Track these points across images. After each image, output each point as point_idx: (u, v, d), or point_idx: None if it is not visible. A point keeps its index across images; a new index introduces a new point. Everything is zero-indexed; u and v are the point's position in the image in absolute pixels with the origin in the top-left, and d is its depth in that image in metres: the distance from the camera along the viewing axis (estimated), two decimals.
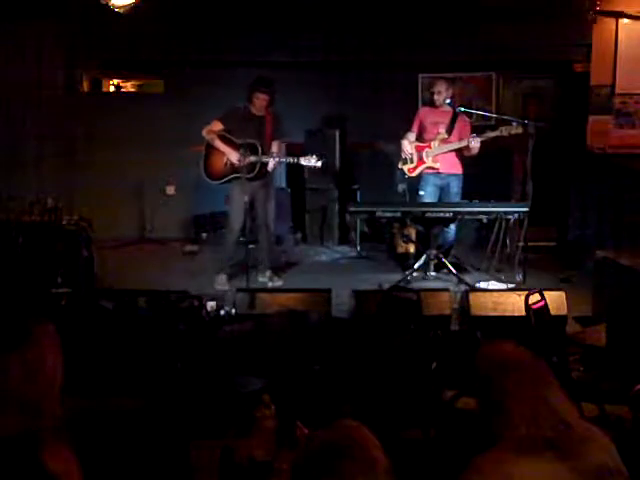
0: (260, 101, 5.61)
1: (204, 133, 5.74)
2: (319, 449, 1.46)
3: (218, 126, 5.73)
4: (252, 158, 5.60)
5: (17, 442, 1.62)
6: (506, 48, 7.56)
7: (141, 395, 3.22)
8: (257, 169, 5.62)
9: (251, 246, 5.84)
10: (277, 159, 5.67)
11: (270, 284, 5.77)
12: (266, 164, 5.63)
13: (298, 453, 1.49)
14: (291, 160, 5.81)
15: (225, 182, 5.74)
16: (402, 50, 7.72)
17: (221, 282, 5.71)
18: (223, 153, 5.70)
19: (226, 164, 5.70)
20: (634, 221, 6.12)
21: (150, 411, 2.98)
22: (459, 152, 6.04)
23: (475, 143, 5.84)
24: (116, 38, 7.67)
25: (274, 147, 5.72)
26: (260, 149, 5.61)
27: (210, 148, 5.78)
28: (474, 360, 1.90)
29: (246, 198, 5.64)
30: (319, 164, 5.74)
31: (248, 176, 5.60)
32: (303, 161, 5.70)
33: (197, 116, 6.90)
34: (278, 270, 6.12)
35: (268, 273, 5.86)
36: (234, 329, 4.23)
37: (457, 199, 6.11)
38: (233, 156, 5.60)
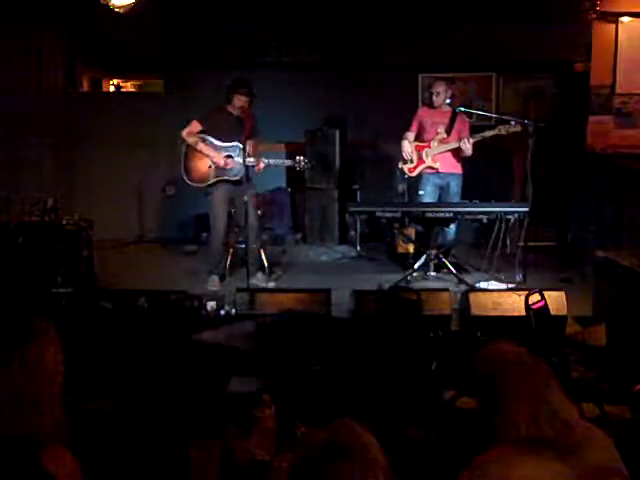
0: (241, 102, 5.60)
1: (184, 135, 5.65)
2: (318, 449, 1.46)
3: (197, 127, 5.68)
4: (238, 160, 5.60)
5: (16, 442, 1.62)
6: (506, 48, 7.56)
7: (141, 395, 3.22)
8: (244, 171, 5.62)
9: (242, 246, 5.86)
10: (266, 162, 5.68)
11: (267, 285, 5.76)
12: (253, 166, 5.65)
13: (297, 453, 1.49)
14: (280, 163, 5.95)
15: (209, 185, 5.70)
16: (402, 50, 7.73)
17: (213, 283, 5.70)
18: (206, 156, 5.67)
19: (210, 167, 5.67)
20: (634, 221, 6.12)
21: (150, 411, 2.98)
22: (458, 152, 6.04)
23: (467, 145, 5.85)
24: (116, 38, 7.67)
25: (249, 147, 5.69)
26: (245, 151, 5.62)
27: (190, 151, 5.70)
28: (474, 360, 1.90)
29: (227, 201, 5.69)
30: (309, 166, 5.88)
31: (234, 179, 5.62)
32: (289, 163, 5.80)
33: (197, 116, 6.89)
34: (271, 270, 6.11)
35: (259, 275, 5.83)
36: (211, 335, 4.22)
37: (457, 199, 6.11)
38: (218, 159, 5.61)
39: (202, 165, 5.71)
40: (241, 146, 5.59)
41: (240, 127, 5.60)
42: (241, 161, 5.59)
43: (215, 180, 5.66)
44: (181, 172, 5.75)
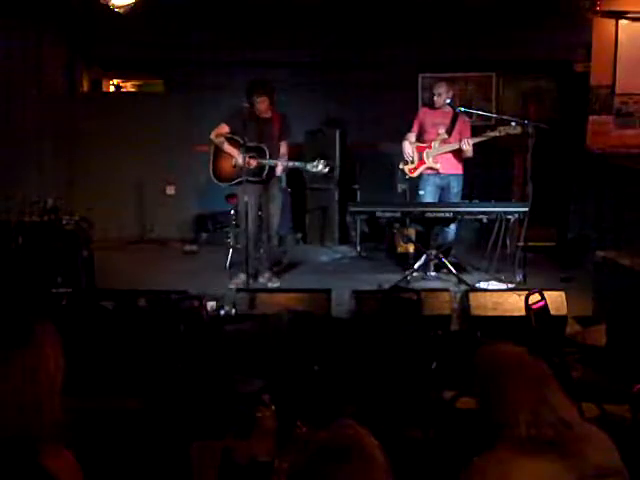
0: (260, 104, 5.62)
1: (212, 137, 5.75)
2: (318, 450, 1.46)
3: (225, 129, 5.73)
4: (260, 161, 5.61)
5: (17, 442, 1.62)
6: (506, 48, 7.56)
7: (141, 395, 3.22)
8: (265, 172, 5.62)
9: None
10: (285, 164, 5.68)
11: (269, 284, 5.77)
12: (274, 167, 5.65)
13: (297, 454, 1.49)
14: (298, 165, 5.85)
15: (234, 184, 5.75)
16: (402, 50, 7.73)
17: (239, 281, 5.66)
18: (230, 155, 5.71)
19: (235, 167, 5.70)
20: (634, 221, 6.12)
21: (150, 411, 2.98)
22: (459, 152, 6.04)
23: (467, 146, 5.86)
24: (116, 38, 7.67)
25: (282, 149, 5.72)
26: (267, 152, 5.61)
27: (218, 151, 5.80)
28: (474, 360, 1.91)
29: (253, 199, 5.66)
30: (326, 170, 5.74)
31: (254, 179, 5.63)
32: (309, 167, 5.70)
33: (197, 116, 6.91)
34: (278, 271, 6.13)
35: (267, 274, 5.85)
36: (238, 328, 4.23)
37: (457, 199, 6.11)
38: (240, 158, 5.59)
39: (227, 165, 5.76)
40: (265, 147, 5.61)
41: (267, 129, 5.63)
42: (263, 162, 5.61)
43: (238, 180, 5.64)
44: (210, 172, 5.82)
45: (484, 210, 5.70)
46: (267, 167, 5.61)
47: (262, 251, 5.90)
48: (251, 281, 5.61)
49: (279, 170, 5.69)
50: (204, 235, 7.83)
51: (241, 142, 5.60)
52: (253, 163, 5.58)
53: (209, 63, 7.99)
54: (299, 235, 8.02)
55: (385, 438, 1.56)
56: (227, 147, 5.72)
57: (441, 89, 6.07)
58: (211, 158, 5.84)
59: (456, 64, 7.79)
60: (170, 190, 8.21)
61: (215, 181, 5.85)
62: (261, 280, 5.80)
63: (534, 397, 1.73)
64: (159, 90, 8.77)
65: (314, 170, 5.71)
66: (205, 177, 6.20)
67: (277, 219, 5.88)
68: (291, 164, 5.76)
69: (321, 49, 7.91)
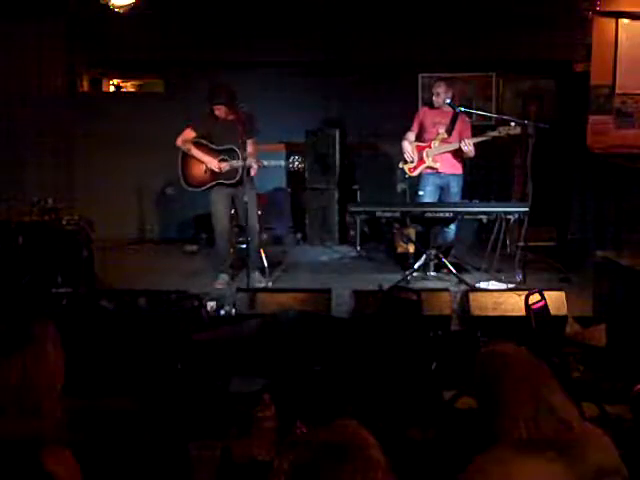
0: (218, 111, 5.64)
1: (179, 143, 5.73)
2: (318, 449, 1.46)
3: (191, 134, 5.73)
4: (233, 163, 5.60)
5: (17, 443, 1.62)
6: (506, 48, 7.56)
7: (141, 395, 3.22)
8: (239, 174, 5.59)
9: (243, 246, 5.87)
10: (259, 164, 5.61)
11: (265, 285, 5.75)
12: (248, 168, 5.58)
13: (297, 453, 1.49)
14: (275, 164, 5.83)
15: (207, 189, 5.75)
16: (402, 50, 7.72)
17: (222, 282, 5.71)
18: (200, 161, 5.70)
19: (206, 172, 5.69)
20: (634, 221, 6.12)
21: (150, 411, 2.98)
22: (459, 152, 6.05)
23: (468, 147, 5.86)
24: (116, 38, 7.66)
25: (249, 148, 5.65)
26: (239, 154, 5.59)
27: (186, 157, 5.76)
28: (474, 360, 1.91)
29: (226, 201, 5.69)
30: (302, 165, 5.86)
31: (229, 182, 5.64)
32: (282, 163, 5.71)
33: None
34: (271, 270, 6.11)
35: (256, 275, 5.82)
36: (238, 328, 4.24)
37: (457, 199, 6.11)
38: (213, 163, 5.63)
39: (198, 170, 5.73)
40: (236, 149, 5.58)
41: (233, 130, 5.55)
42: (235, 164, 5.59)
43: (211, 184, 5.69)
44: (179, 178, 5.80)
45: (484, 210, 5.70)
46: (241, 168, 5.57)
47: (249, 252, 5.86)
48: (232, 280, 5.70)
49: (253, 171, 5.63)
50: (204, 235, 7.82)
51: (211, 147, 5.65)
52: (225, 166, 5.60)
53: (209, 63, 7.98)
54: (299, 235, 8.02)
55: (385, 438, 1.56)
56: (195, 152, 5.70)
57: (440, 89, 6.08)
58: (179, 163, 5.78)
59: (456, 64, 7.79)
60: (170, 190, 8.20)
61: (185, 187, 5.82)
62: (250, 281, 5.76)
63: (534, 397, 1.73)
64: (159, 90, 8.76)
65: (289, 167, 5.70)
66: None
67: (256, 217, 5.83)
68: (266, 163, 5.72)
69: (321, 49, 7.91)
